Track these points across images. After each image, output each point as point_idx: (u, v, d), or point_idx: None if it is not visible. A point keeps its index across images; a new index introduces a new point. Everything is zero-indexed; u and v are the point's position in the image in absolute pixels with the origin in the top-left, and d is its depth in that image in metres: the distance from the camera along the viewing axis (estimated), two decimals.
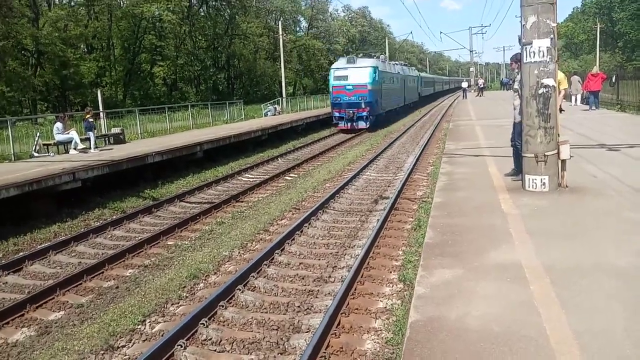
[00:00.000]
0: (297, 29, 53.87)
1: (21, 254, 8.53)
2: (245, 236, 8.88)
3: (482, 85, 53.96)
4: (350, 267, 6.98)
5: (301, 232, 8.92)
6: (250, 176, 15.55)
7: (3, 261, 8.11)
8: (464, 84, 56.12)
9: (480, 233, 6.10)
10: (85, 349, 5.14)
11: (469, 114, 26.64)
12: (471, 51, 62.28)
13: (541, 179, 8.08)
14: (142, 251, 8.43)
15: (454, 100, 59.13)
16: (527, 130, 8.09)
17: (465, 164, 11.20)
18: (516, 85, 8.98)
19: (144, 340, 5.44)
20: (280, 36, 38.83)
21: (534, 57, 7.91)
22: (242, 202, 11.79)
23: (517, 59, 8.75)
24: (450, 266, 5.09)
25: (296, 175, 14.94)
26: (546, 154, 8.00)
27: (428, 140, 21.68)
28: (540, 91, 7.93)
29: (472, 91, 56.32)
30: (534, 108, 8.00)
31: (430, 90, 63.81)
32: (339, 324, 5.51)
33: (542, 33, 7.81)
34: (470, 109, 30.61)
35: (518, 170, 8.90)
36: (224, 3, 37.32)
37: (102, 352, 5.14)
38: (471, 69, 68.25)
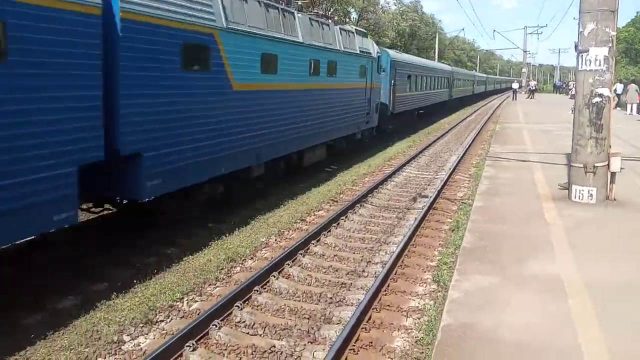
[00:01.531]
0: (347, 20, 53.59)
1: None
2: (283, 224, 9.03)
3: (533, 87, 52.35)
4: (385, 264, 7.01)
5: (338, 224, 8.99)
6: None
7: None
8: (515, 85, 54.56)
9: (520, 241, 6.02)
10: (126, 321, 5.39)
11: (517, 117, 25.98)
12: (525, 51, 60.41)
13: (588, 191, 7.87)
14: (185, 231, 8.69)
15: (503, 101, 57.57)
16: (578, 139, 7.88)
17: (510, 168, 10.99)
18: None
19: (181, 317, 5.65)
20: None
21: (589, 65, 7.69)
22: (282, 190, 11.95)
23: None
24: (486, 273, 5.06)
25: (336, 167, 15.00)
26: (596, 165, 7.79)
27: (473, 140, 21.30)
28: (594, 100, 7.71)
29: (523, 92, 54.71)
30: (586, 117, 7.78)
31: (461, 91, 47.94)
32: (369, 318, 5.57)
33: (599, 41, 7.57)
34: (519, 112, 29.82)
35: None
36: None
37: (141, 325, 5.38)
38: (523, 70, 66.26)
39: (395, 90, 21.55)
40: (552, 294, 4.51)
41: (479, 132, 24.60)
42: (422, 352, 4.86)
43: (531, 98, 48.42)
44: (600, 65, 7.60)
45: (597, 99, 7.67)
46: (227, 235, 8.38)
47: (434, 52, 61.04)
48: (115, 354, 4.85)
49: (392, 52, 22.69)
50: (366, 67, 15.90)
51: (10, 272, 6.67)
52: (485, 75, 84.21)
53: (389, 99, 20.69)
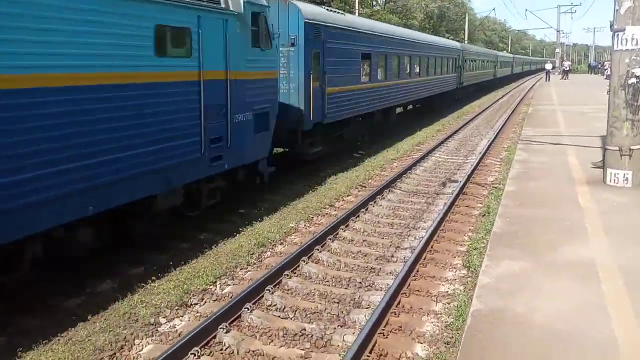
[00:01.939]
0: (374, 3, 52.81)
1: None
2: (312, 209, 9.10)
3: (567, 68, 50.82)
4: (414, 249, 7.02)
5: (366, 209, 9.02)
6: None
7: None
8: (548, 66, 53.07)
9: (553, 226, 5.93)
10: (162, 304, 5.57)
11: (550, 98, 25.33)
12: (558, 31, 58.58)
13: (624, 174, 7.68)
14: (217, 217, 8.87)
15: (535, 82, 56.12)
16: (613, 121, 7.68)
17: (543, 151, 10.78)
18: None
19: (214, 300, 5.80)
20: (357, 10, 38.38)
21: (625, 44, 7.45)
22: (312, 176, 12.02)
23: None
24: (517, 258, 5.02)
25: (364, 153, 14.96)
26: (632, 147, 7.58)
27: (504, 123, 20.89)
28: (630, 81, 7.48)
29: (557, 73, 53.18)
30: (621, 99, 7.56)
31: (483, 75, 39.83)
32: (399, 303, 5.61)
33: (636, 19, 7.31)
34: (553, 93, 29.05)
35: None
36: None
37: (176, 307, 5.55)
38: (557, 50, 64.35)
39: (322, 83, 11.65)
40: (585, 280, 4.45)
41: (510, 116, 24.10)
42: (452, 337, 4.88)
43: (565, 79, 47.07)
44: (637, 44, 7.35)
45: (634, 80, 7.44)
46: (258, 220, 8.51)
47: (464, 34, 59.75)
48: (152, 336, 5.03)
49: (309, 7, 11.63)
50: (197, 34, 6.93)
51: (53, 256, 6.95)
52: (510, 55, 69.66)
53: (304, 100, 10.93)
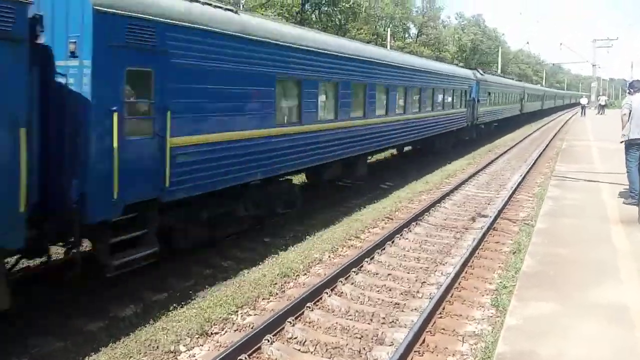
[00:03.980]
0: (406, 35, 53.33)
1: None
2: (337, 240, 9.03)
3: (603, 103, 49.80)
4: (441, 285, 6.85)
5: (392, 242, 8.89)
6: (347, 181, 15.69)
7: None
8: (583, 100, 52.14)
9: (585, 266, 5.71)
10: (182, 331, 5.55)
11: (586, 134, 24.80)
12: (594, 65, 57.70)
13: None
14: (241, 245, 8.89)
15: (570, 118, 55.14)
16: None
17: (576, 188, 10.49)
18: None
19: (235, 330, 5.76)
20: (388, 43, 38.78)
21: None
22: (338, 206, 11.98)
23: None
24: (547, 299, 4.84)
25: (392, 184, 14.86)
26: None
27: (537, 158, 20.49)
28: None
29: (593, 108, 52.15)
30: None
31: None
32: (423, 341, 5.45)
33: None
34: (589, 128, 28.45)
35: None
36: (335, 9, 38.03)
37: (197, 336, 5.52)
38: (593, 84, 63.28)
39: (156, 128, 6.44)
40: (618, 324, 4.24)
41: (543, 150, 23.65)
42: None
43: (601, 114, 46.09)
44: None
45: None
46: (282, 250, 8.49)
47: (497, 67, 59.54)
48: None
49: None
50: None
51: (77, 279, 7.07)
52: (541, 88, 64.16)
53: (96, 162, 5.68)
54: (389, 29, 44.43)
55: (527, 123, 43.71)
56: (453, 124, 21.19)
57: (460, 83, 21.93)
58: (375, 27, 45.64)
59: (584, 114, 46.77)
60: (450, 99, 20.54)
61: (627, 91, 9.90)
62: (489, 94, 27.86)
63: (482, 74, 26.75)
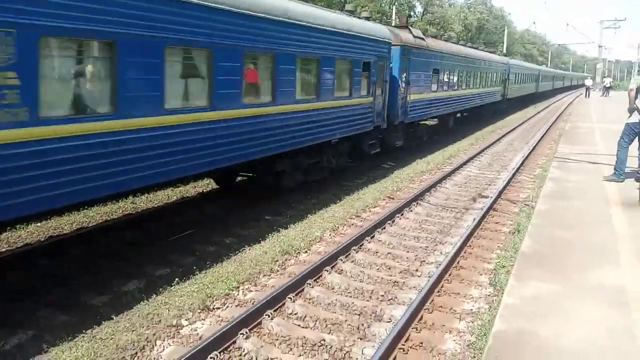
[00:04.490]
0: (412, 14, 52.62)
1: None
2: (338, 219, 9.08)
3: (608, 85, 49.39)
4: (439, 264, 6.92)
5: (393, 222, 8.94)
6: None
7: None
8: (588, 82, 51.69)
9: (584, 248, 5.76)
10: (185, 306, 5.64)
11: (589, 115, 24.67)
12: (600, 46, 57.07)
13: None
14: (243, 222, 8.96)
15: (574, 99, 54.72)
16: None
17: (578, 170, 10.50)
18: None
19: (236, 306, 5.84)
20: (394, 21, 38.31)
21: None
22: (340, 186, 12.01)
23: None
24: (545, 280, 4.89)
25: (394, 164, 14.86)
26: None
27: (539, 140, 20.44)
28: None
29: (597, 90, 51.72)
30: None
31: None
32: (421, 319, 5.53)
33: None
34: (592, 110, 28.28)
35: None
36: None
37: (198, 310, 5.61)
38: (598, 66, 62.62)
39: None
40: (615, 306, 4.30)
41: (546, 132, 23.57)
42: (475, 357, 4.78)
43: (606, 96, 45.76)
44: None
45: None
46: (283, 228, 8.54)
47: (503, 47, 58.89)
48: (174, 337, 5.10)
49: None
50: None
51: (86, 255, 7.16)
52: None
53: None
54: (394, 7, 43.85)
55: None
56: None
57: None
58: (380, 4, 45.03)
59: (589, 95, 46.45)
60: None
61: (638, 71, 9.98)
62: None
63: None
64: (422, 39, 16.32)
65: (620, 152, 9.19)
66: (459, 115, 24.08)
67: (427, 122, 19.62)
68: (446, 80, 19.22)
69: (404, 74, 14.58)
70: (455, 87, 20.68)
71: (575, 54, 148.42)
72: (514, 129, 25.08)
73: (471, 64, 22.57)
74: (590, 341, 3.77)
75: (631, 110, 8.90)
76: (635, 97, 8.76)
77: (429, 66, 16.74)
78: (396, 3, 46.98)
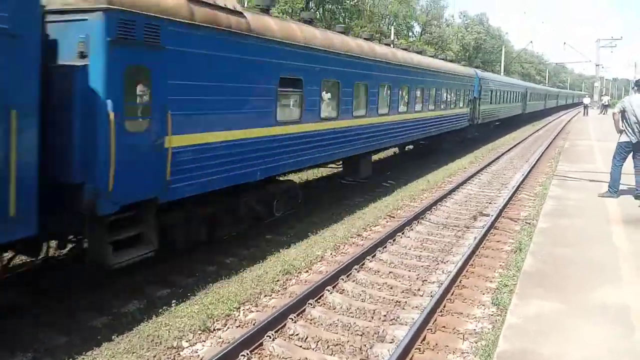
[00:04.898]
0: (410, 34, 53.26)
1: None
2: (339, 238, 9.06)
3: (606, 103, 49.74)
4: (441, 283, 6.88)
5: (394, 240, 8.92)
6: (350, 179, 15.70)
7: None
8: (586, 100, 52.07)
9: (586, 267, 5.74)
10: (185, 327, 5.59)
11: (587, 133, 24.79)
12: (597, 65, 57.57)
13: None
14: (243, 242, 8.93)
15: (573, 117, 55.00)
16: None
17: (578, 188, 10.51)
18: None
19: (237, 326, 5.79)
20: (392, 40, 38.76)
21: None
22: (340, 205, 12.00)
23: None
24: (548, 299, 4.87)
25: (394, 183, 14.88)
26: None
27: (539, 158, 20.49)
28: None
29: (595, 108, 52.06)
30: None
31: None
32: (424, 339, 5.48)
33: None
34: (591, 128, 28.43)
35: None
36: (339, 7, 38.04)
37: (199, 332, 5.56)
38: (595, 84, 63.10)
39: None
40: (618, 325, 4.27)
41: (545, 150, 23.63)
42: None
43: (604, 113, 46.04)
44: None
45: None
46: (284, 247, 8.52)
47: (500, 66, 59.43)
48: None
49: None
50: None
51: (86, 275, 7.11)
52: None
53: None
54: (392, 27, 44.38)
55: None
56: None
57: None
58: (379, 25, 45.58)
59: (587, 113, 46.72)
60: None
61: (632, 88, 10.29)
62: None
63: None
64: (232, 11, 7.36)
65: (613, 170, 9.46)
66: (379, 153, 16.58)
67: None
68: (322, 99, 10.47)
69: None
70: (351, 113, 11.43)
71: (572, 72, 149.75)
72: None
73: (403, 75, 14.17)
74: None
75: (621, 131, 9.19)
76: (623, 119, 9.02)
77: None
78: (394, 23, 47.58)
